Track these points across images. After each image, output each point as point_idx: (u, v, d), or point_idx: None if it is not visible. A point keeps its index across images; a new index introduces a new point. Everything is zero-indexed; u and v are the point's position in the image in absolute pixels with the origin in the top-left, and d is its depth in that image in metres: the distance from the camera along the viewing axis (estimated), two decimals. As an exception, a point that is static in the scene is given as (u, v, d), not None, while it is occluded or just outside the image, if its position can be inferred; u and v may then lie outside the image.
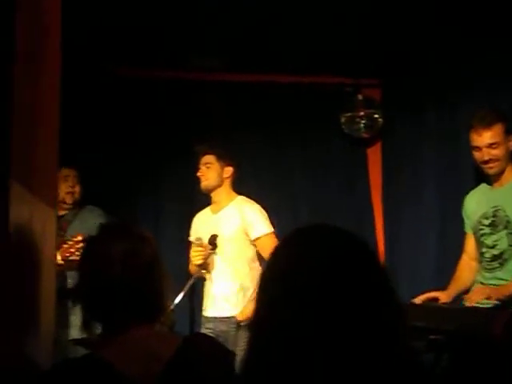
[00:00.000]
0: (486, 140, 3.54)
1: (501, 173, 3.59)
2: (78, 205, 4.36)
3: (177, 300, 3.72)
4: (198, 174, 4.28)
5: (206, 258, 4.09)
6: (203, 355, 1.75)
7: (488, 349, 2.79)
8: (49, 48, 2.40)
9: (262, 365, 1.13)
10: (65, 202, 4.26)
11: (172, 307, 3.55)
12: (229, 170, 4.29)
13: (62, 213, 4.18)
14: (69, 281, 3.95)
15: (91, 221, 4.07)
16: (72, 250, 3.76)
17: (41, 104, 2.34)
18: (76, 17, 3.19)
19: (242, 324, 3.96)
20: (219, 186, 4.28)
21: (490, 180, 3.67)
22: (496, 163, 3.56)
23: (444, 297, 3.56)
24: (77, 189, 4.32)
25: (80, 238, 3.76)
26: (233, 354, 1.85)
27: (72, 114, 4.29)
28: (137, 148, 5.02)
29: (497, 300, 3.28)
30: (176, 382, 1.70)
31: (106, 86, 4.89)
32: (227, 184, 4.30)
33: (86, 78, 4.70)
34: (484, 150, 3.55)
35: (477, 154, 3.59)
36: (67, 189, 4.29)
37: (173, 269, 4.00)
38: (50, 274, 2.26)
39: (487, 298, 3.29)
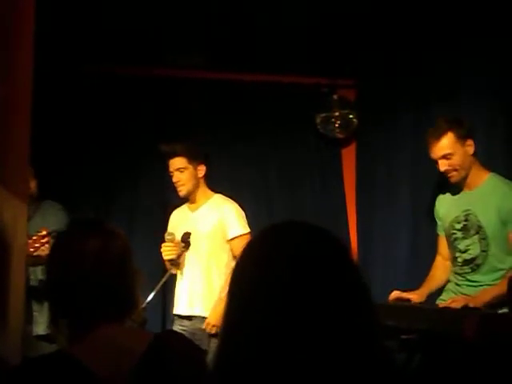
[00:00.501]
0: (438, 152, 3.57)
1: (467, 177, 3.60)
2: (37, 200, 4.24)
3: (149, 297, 3.70)
4: (174, 180, 4.17)
5: (178, 255, 4.05)
6: (174, 352, 1.74)
7: (459, 348, 2.81)
8: (21, 44, 2.37)
9: (232, 364, 1.12)
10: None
11: (144, 305, 3.53)
12: (202, 169, 4.21)
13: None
14: (31, 277, 3.89)
15: (52, 216, 4.07)
16: (37, 244, 3.74)
17: (13, 99, 2.31)
18: (49, 13, 3.15)
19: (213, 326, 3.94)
20: (197, 187, 4.22)
21: (459, 184, 3.68)
22: (454, 173, 3.58)
23: (416, 297, 3.59)
24: (32, 184, 4.14)
25: (44, 233, 3.74)
26: (204, 352, 1.84)
27: (47, 109, 4.31)
28: (113, 145, 4.98)
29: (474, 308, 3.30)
30: (147, 379, 1.69)
31: (84, 82, 4.84)
32: (202, 183, 4.25)
33: (62, 76, 4.66)
34: (440, 161, 3.58)
35: (437, 166, 3.61)
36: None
37: (147, 265, 4.04)
38: (21, 268, 2.24)
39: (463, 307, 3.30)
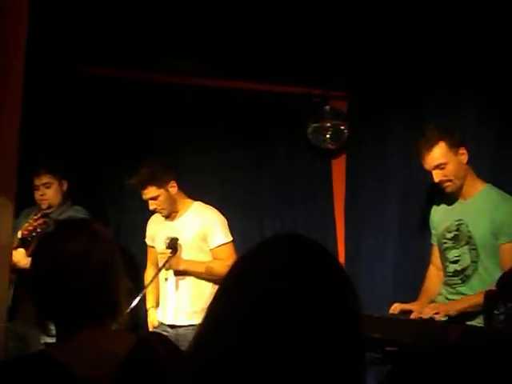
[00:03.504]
0: (431, 163, 3.53)
1: (462, 187, 3.58)
2: (66, 203, 4.41)
3: (135, 301, 3.69)
4: (151, 208, 4.12)
5: (165, 261, 4.00)
6: (157, 354, 1.74)
7: (442, 360, 2.80)
8: (13, 46, 2.38)
9: (202, 369, 1.09)
10: (41, 208, 4.29)
11: (129, 309, 3.52)
12: (174, 186, 4.13)
13: (48, 211, 4.24)
14: None
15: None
16: (30, 228, 3.92)
17: (3, 98, 2.31)
18: (43, 15, 3.14)
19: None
20: (175, 202, 4.16)
21: (455, 194, 3.65)
22: (449, 183, 3.55)
23: (417, 309, 3.52)
24: (48, 195, 4.35)
25: (39, 216, 3.98)
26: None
27: (36, 110, 4.29)
28: (102, 148, 4.96)
29: (446, 315, 3.29)
30: (129, 381, 1.68)
31: (75, 85, 4.81)
32: (179, 196, 4.18)
33: (52, 78, 4.64)
34: (434, 172, 3.54)
35: (432, 177, 3.58)
36: (38, 197, 4.36)
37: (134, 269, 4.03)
38: (4, 267, 2.23)
39: (436, 313, 3.29)
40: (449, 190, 3.58)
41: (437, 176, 3.53)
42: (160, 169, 4.11)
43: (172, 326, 4.09)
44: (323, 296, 1.10)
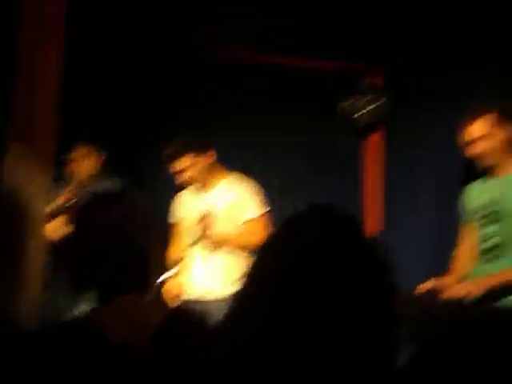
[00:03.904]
0: (472, 134, 3.49)
1: (498, 164, 3.52)
2: (103, 174, 4.49)
3: (167, 274, 3.70)
4: (181, 181, 4.08)
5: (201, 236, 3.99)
6: (188, 326, 1.77)
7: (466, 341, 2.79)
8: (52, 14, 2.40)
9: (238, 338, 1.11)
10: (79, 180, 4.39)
11: (161, 280, 3.53)
12: (212, 155, 4.11)
13: (86, 183, 4.36)
14: None
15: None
16: (66, 198, 4.10)
17: (42, 72, 2.35)
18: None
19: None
20: (211, 173, 4.14)
21: (490, 171, 3.59)
22: (483, 156, 3.49)
23: (451, 281, 3.47)
24: (85, 166, 4.44)
25: (74, 186, 4.17)
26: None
27: (75, 83, 4.32)
28: (141, 120, 4.96)
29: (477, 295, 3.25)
30: (163, 351, 1.72)
31: (114, 59, 4.80)
32: (215, 167, 4.15)
33: (93, 52, 4.65)
34: (472, 144, 3.49)
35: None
36: (74, 169, 4.45)
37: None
38: (39, 234, 2.28)
39: (467, 294, 3.24)
40: (483, 163, 3.53)
41: (473, 148, 3.49)
42: (198, 138, 4.12)
43: (200, 301, 4.06)
44: (353, 271, 1.10)
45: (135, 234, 1.80)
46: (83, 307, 3.84)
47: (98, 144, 4.49)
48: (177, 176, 4.13)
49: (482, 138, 3.46)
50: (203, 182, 4.13)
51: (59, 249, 3.73)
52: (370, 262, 1.13)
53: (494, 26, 4.06)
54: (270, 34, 4.70)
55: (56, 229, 3.97)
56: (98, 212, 1.82)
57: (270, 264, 1.13)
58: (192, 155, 4.04)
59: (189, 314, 1.85)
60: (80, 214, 1.92)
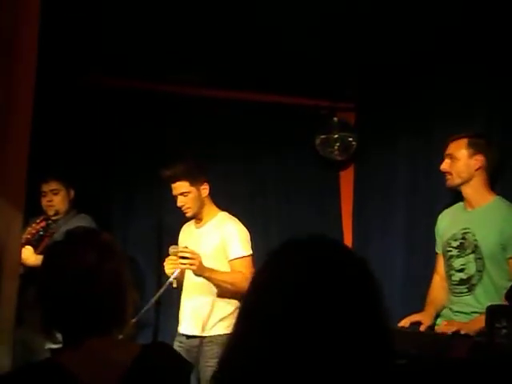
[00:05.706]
0: (446, 151, 3.62)
1: (473, 195, 3.57)
2: (72, 211, 4.54)
3: (143, 310, 3.65)
4: (179, 204, 4.10)
5: (179, 270, 3.90)
6: (160, 364, 1.75)
7: (449, 373, 2.79)
8: (24, 54, 2.39)
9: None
10: (48, 214, 4.40)
11: (136, 318, 3.48)
12: (206, 188, 4.13)
13: (55, 218, 4.40)
14: None
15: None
16: (33, 231, 4.12)
17: (12, 107, 2.32)
18: (52, 24, 3.16)
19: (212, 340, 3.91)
20: (202, 207, 4.15)
21: (464, 202, 3.63)
22: (449, 176, 3.59)
23: (427, 320, 3.51)
24: (55, 201, 4.47)
25: (42, 219, 4.19)
26: (191, 366, 1.84)
27: (45, 121, 4.31)
28: (109, 160, 4.98)
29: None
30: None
31: (83, 94, 4.83)
32: (207, 200, 4.17)
33: (61, 87, 4.65)
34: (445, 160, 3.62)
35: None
36: (45, 203, 4.48)
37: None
38: (13, 274, 2.25)
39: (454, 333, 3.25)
40: (447, 183, 3.64)
41: (444, 164, 3.61)
42: (196, 167, 4.13)
43: (186, 336, 4.07)
44: (349, 297, 1.11)
45: (110, 276, 1.78)
46: (52, 345, 3.82)
47: (67, 180, 4.49)
48: (176, 199, 4.14)
49: (452, 156, 3.59)
50: (195, 213, 4.15)
51: (29, 285, 3.70)
52: (364, 289, 1.15)
53: (461, 64, 4.16)
54: (242, 71, 4.77)
55: (29, 255, 4.02)
56: (72, 253, 1.79)
57: (264, 304, 1.13)
58: (187, 182, 4.08)
59: (161, 352, 1.83)
60: (52, 253, 1.89)
